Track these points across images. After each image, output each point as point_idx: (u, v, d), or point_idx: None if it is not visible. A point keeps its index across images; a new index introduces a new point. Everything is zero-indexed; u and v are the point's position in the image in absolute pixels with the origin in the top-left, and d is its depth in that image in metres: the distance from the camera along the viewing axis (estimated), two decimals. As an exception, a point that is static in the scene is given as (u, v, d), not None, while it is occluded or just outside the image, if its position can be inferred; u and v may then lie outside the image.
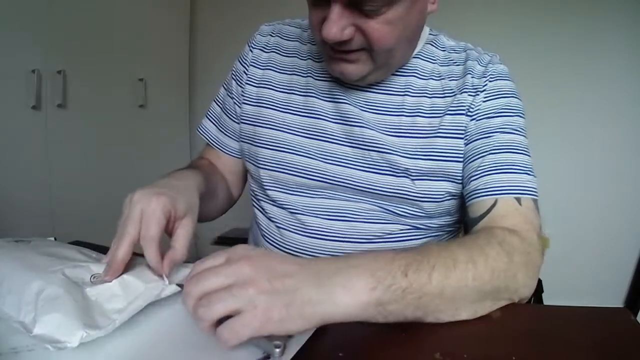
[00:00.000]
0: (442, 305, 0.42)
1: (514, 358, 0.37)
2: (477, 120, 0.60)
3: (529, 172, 0.57)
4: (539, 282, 1.59)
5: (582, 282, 1.69)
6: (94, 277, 0.43)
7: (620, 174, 1.66)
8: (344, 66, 0.56)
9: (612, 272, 1.70)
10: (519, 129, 0.60)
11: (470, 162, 0.59)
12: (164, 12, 1.83)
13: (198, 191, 0.56)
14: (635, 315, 0.50)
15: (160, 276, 0.45)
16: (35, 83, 1.28)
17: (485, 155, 0.58)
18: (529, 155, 0.59)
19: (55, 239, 0.57)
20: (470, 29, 1.64)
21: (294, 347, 0.38)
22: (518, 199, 0.55)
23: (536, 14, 1.66)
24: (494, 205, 0.55)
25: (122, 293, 0.41)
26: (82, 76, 1.44)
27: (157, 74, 1.79)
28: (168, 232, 0.49)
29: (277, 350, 0.36)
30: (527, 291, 0.48)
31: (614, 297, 1.71)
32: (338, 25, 0.49)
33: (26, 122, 1.29)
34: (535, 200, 0.56)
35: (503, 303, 0.47)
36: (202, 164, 0.75)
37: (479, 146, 0.59)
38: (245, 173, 0.78)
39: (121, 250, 0.44)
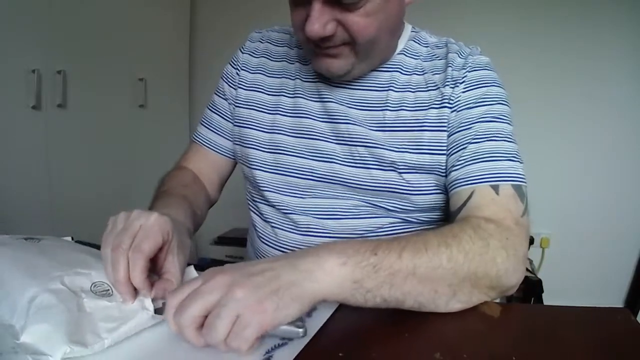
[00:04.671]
0: (419, 286, 0.43)
1: (514, 358, 0.37)
2: (458, 112, 0.60)
3: (511, 158, 0.57)
4: (539, 282, 1.59)
5: (582, 282, 1.69)
6: (94, 286, 0.42)
7: (621, 174, 1.66)
8: (329, 62, 0.58)
9: (612, 272, 1.70)
10: (500, 116, 0.59)
11: (452, 154, 0.59)
12: (164, 12, 1.83)
13: (189, 235, 0.55)
14: (635, 315, 0.50)
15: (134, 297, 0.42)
16: (35, 83, 1.28)
17: (466, 146, 0.58)
18: (512, 142, 0.58)
19: (72, 238, 0.55)
20: (469, 30, 1.64)
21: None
22: (495, 187, 0.54)
23: (536, 14, 1.66)
24: (470, 196, 0.55)
25: (118, 315, 0.39)
26: (82, 76, 1.44)
27: (157, 74, 1.79)
28: (156, 260, 0.46)
29: (300, 330, 0.37)
30: (511, 278, 0.48)
31: (614, 297, 1.71)
32: (320, 21, 0.51)
33: (26, 122, 1.29)
34: (517, 186, 0.55)
35: (488, 293, 0.47)
36: (186, 183, 0.71)
37: (460, 137, 0.59)
38: (228, 176, 0.80)
39: (121, 274, 0.41)
